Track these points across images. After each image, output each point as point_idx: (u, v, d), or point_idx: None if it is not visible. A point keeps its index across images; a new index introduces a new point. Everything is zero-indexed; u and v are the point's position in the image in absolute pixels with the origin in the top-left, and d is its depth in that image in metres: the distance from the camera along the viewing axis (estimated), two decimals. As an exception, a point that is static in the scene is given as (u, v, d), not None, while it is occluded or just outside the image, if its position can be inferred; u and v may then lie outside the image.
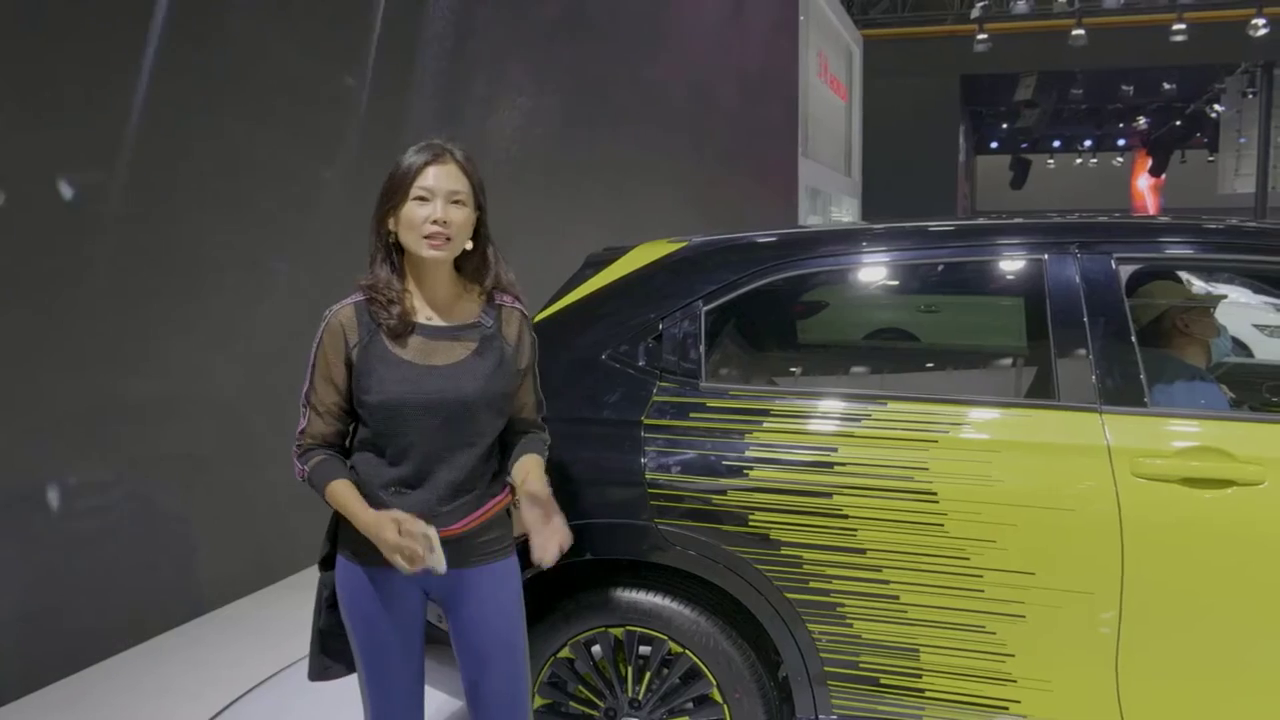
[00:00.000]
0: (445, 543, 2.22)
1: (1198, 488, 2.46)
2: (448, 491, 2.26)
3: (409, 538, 2.13)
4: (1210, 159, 33.35)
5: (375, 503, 2.25)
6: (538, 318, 3.09)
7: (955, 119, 28.94)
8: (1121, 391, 2.59)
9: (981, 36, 25.06)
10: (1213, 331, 3.26)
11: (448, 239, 2.23)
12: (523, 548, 2.31)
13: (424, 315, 2.30)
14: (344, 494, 2.24)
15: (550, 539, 2.26)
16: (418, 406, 2.22)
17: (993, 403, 2.75)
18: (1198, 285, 4.77)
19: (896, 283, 3.34)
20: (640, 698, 2.84)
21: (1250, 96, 28.40)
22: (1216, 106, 30.12)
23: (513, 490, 2.40)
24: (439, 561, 2.18)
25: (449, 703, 3.44)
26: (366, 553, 2.27)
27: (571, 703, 2.90)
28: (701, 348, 2.89)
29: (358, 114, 5.83)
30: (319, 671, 2.49)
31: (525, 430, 2.44)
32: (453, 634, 2.38)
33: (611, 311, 3.01)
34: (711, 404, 2.83)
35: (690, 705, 2.81)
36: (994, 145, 38.35)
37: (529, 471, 2.32)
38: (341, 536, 2.34)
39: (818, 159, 20.88)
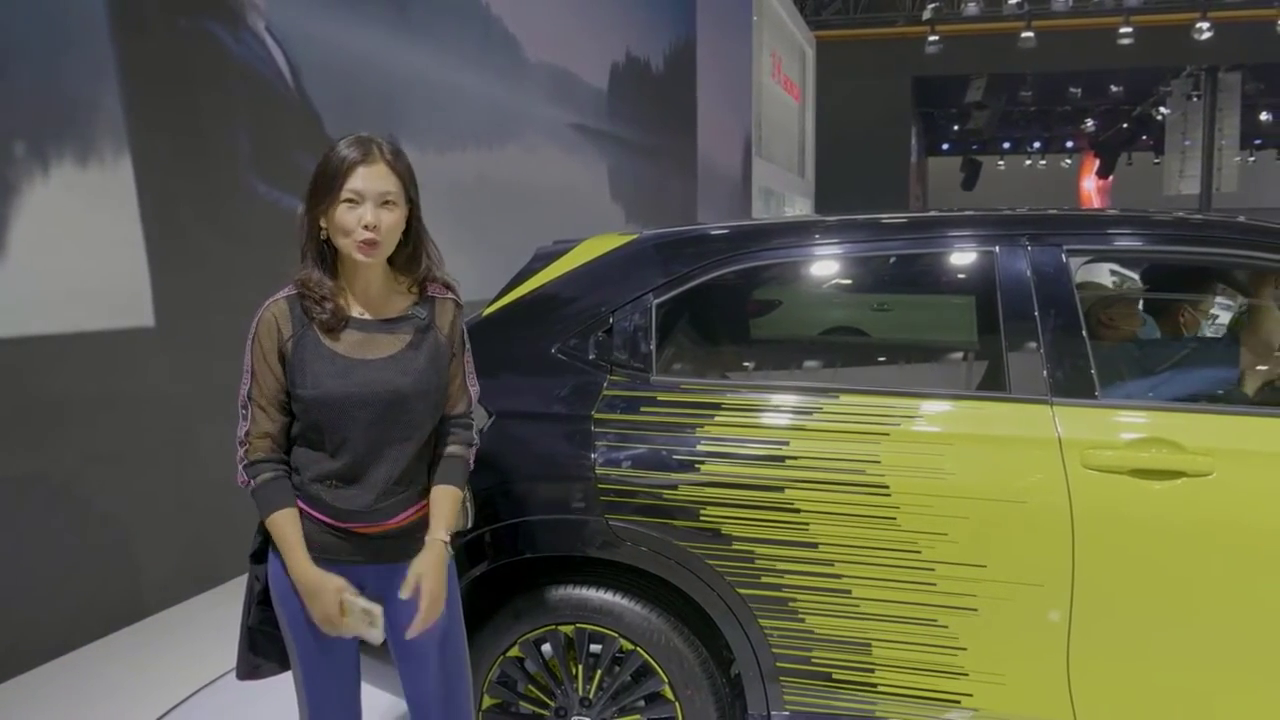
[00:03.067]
0: (381, 538, 2.19)
1: (1147, 479, 2.47)
2: (384, 486, 2.21)
3: (350, 614, 2.17)
4: (1156, 161, 33.79)
5: (310, 496, 2.21)
6: (485, 311, 3.04)
7: (907, 120, 29.16)
8: (1072, 383, 2.59)
9: (933, 38, 25.31)
10: (1137, 323, 3.29)
11: (378, 243, 2.18)
12: (464, 546, 2.26)
13: (356, 310, 2.26)
14: (287, 533, 2.19)
15: (418, 619, 2.24)
16: (352, 400, 2.18)
17: (944, 395, 2.74)
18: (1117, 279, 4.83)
19: (849, 274, 3.33)
20: (591, 696, 2.81)
21: (1195, 100, 28.85)
22: (1162, 109, 30.52)
23: None
24: (376, 638, 2.21)
25: (396, 704, 3.38)
26: None
27: (521, 702, 2.85)
28: (652, 341, 2.85)
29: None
30: (248, 670, 2.43)
31: (448, 430, 2.37)
32: (389, 631, 2.33)
33: (561, 305, 2.97)
34: (662, 398, 2.80)
35: (642, 703, 2.78)
36: (945, 147, 38.65)
37: (433, 528, 2.29)
38: None
39: (771, 160, 20.95)
